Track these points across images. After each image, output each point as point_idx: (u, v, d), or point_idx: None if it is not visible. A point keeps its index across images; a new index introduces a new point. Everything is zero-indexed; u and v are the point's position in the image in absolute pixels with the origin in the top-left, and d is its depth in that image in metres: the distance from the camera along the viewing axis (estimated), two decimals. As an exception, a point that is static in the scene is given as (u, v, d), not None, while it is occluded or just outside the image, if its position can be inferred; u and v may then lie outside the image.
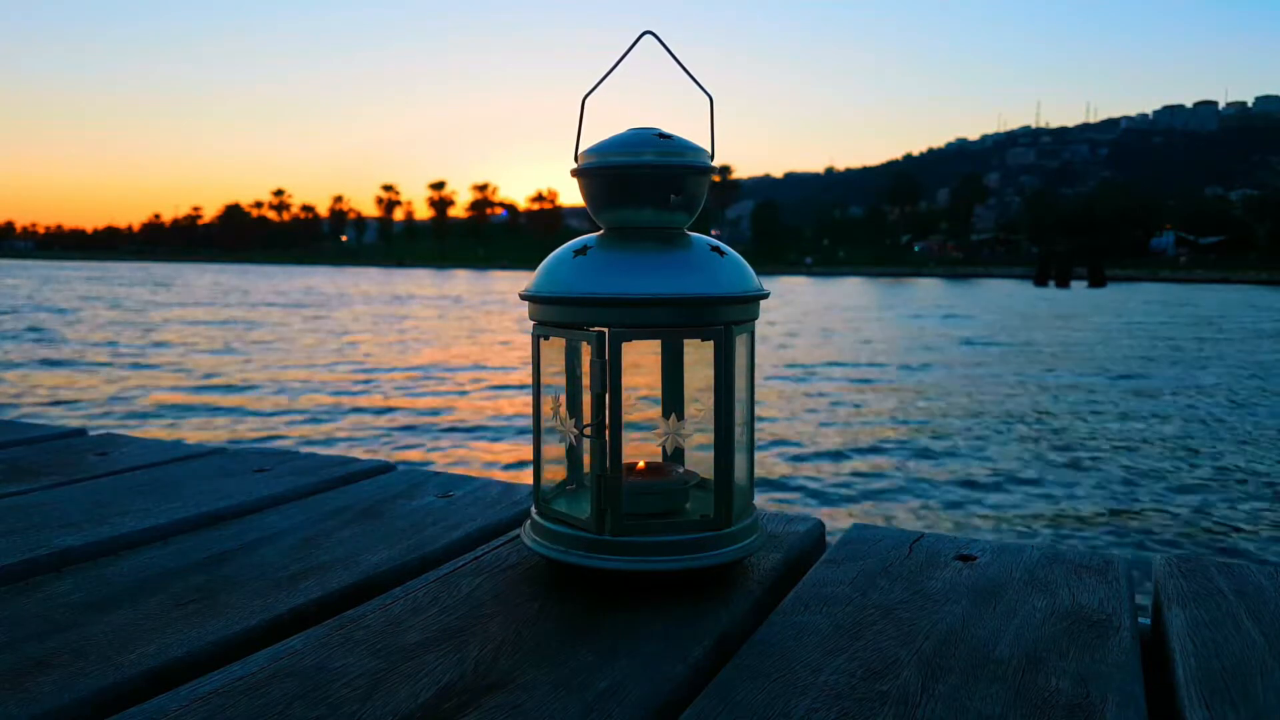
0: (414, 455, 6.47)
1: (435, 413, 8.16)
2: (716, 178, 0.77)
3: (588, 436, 0.69)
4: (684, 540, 0.69)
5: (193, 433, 7.05)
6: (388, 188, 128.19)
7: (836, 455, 6.51)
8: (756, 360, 0.77)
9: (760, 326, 0.80)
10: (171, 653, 0.59)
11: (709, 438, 0.71)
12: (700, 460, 0.78)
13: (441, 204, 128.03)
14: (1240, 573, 0.74)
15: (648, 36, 0.72)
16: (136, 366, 10.85)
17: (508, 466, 6.17)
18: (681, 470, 0.78)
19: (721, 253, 0.71)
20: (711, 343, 0.69)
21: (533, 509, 0.75)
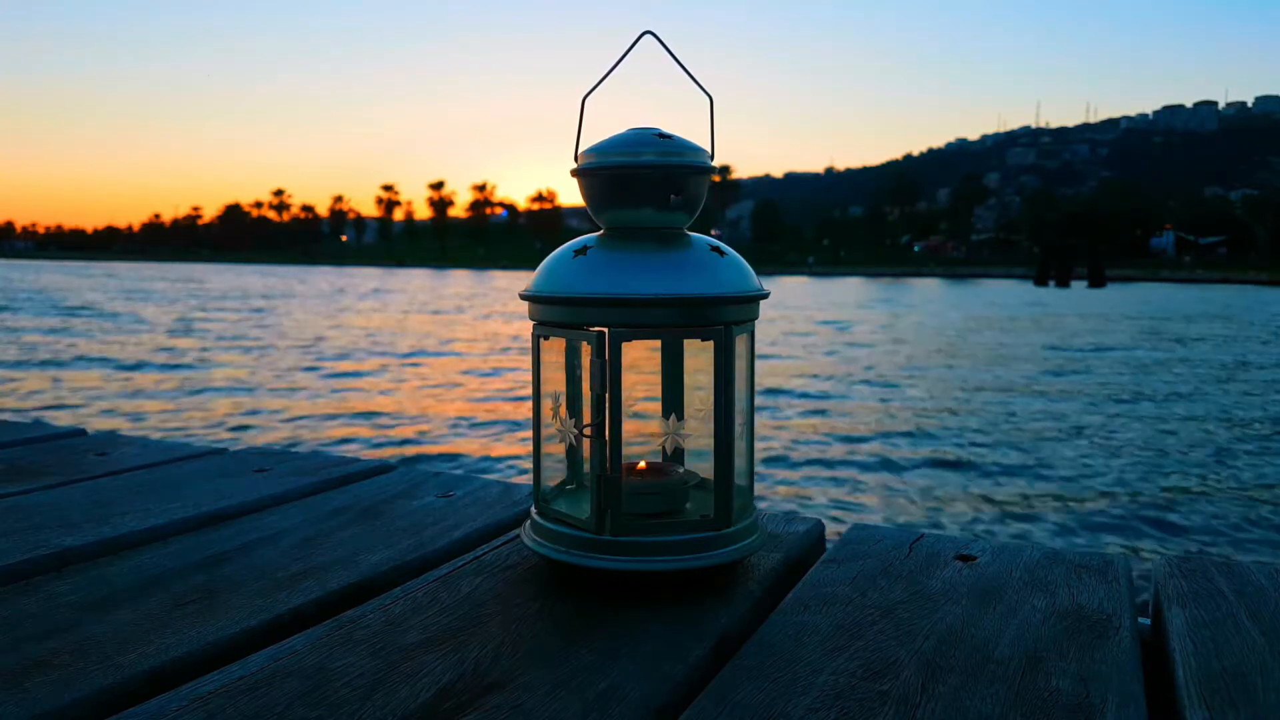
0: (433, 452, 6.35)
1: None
2: (716, 178, 0.76)
3: (588, 436, 0.69)
4: (684, 540, 0.69)
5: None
6: (387, 188, 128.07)
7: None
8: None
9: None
10: (171, 653, 0.59)
11: (709, 438, 0.71)
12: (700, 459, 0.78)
13: (441, 204, 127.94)
14: (1240, 573, 0.74)
15: (648, 36, 0.72)
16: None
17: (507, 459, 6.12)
18: (681, 470, 0.78)
19: (721, 253, 0.71)
20: (711, 343, 0.69)
21: (533, 509, 0.75)
